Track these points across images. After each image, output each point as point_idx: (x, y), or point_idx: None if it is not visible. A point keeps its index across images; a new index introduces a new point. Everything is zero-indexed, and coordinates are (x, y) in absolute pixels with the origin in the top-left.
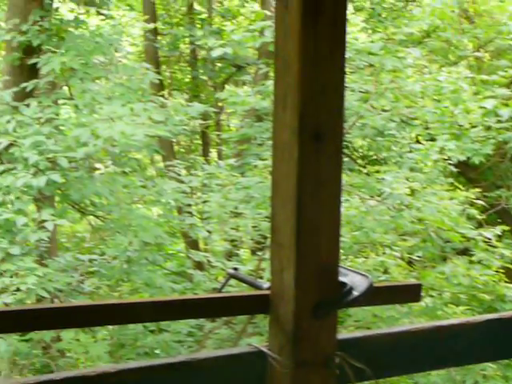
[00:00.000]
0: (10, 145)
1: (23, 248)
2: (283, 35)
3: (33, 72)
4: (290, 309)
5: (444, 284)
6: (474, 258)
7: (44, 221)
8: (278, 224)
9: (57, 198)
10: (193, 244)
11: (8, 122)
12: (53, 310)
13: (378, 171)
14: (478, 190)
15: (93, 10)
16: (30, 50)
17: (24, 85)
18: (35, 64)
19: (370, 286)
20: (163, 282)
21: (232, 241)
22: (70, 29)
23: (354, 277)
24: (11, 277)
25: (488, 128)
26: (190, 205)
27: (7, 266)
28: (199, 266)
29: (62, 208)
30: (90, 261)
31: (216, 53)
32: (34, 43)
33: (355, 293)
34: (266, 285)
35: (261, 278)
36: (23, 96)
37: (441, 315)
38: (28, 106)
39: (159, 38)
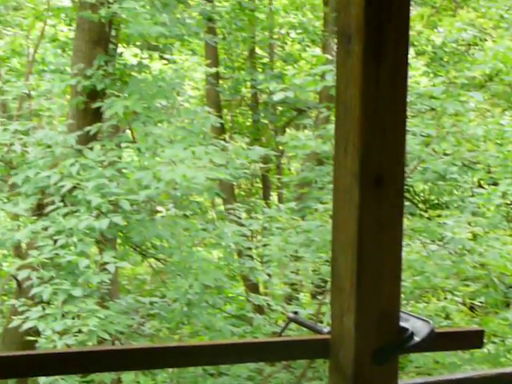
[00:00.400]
0: (74, 187)
1: (85, 290)
2: (345, 79)
3: (96, 116)
4: (350, 354)
5: (507, 330)
6: None
7: (106, 263)
8: (338, 268)
9: (118, 241)
10: (253, 287)
11: (72, 164)
12: (114, 352)
13: (439, 215)
14: None
15: (156, 54)
16: (94, 94)
17: (88, 128)
18: (99, 108)
19: (431, 331)
20: (223, 325)
21: (292, 284)
22: (134, 73)
23: (415, 322)
24: (73, 318)
25: None
26: (250, 248)
27: (69, 308)
28: (259, 309)
29: (124, 250)
30: (151, 303)
31: (277, 97)
32: (98, 87)
33: (416, 338)
34: (326, 329)
35: (321, 322)
36: (87, 139)
37: (504, 362)
38: (91, 149)
39: (221, 81)
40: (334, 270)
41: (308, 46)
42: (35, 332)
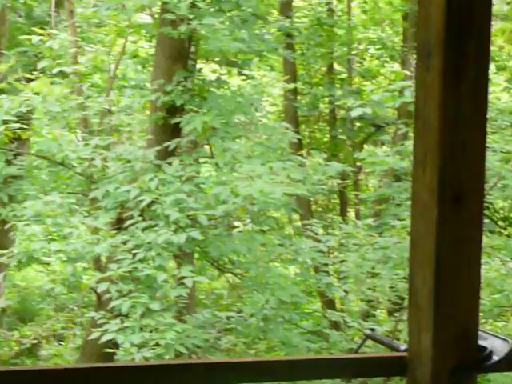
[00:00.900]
0: (153, 202)
1: (163, 303)
2: (424, 95)
3: (175, 131)
4: (427, 372)
5: None
6: None
7: (183, 277)
8: (416, 285)
9: (196, 255)
10: (329, 303)
11: (151, 179)
12: (190, 365)
13: None
14: None
15: (234, 70)
16: (173, 110)
17: (167, 143)
18: (178, 123)
19: (510, 350)
20: (299, 340)
21: (369, 301)
22: (212, 89)
23: (493, 341)
24: (151, 332)
25: None
26: (326, 264)
27: (147, 321)
28: (335, 325)
29: (201, 265)
30: (228, 318)
31: (355, 113)
32: (177, 103)
33: (495, 357)
34: (403, 347)
35: (398, 339)
36: (166, 154)
37: None
38: (170, 164)
39: (299, 97)
40: (411, 287)
41: (386, 61)
42: (114, 344)
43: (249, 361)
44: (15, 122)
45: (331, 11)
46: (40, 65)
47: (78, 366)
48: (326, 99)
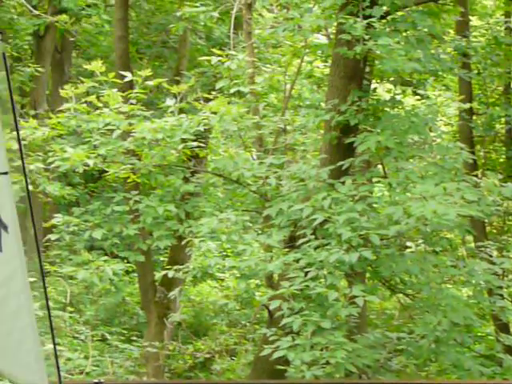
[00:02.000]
0: (325, 221)
1: (334, 322)
2: None
3: (349, 150)
4: None
5: None
6: None
7: (355, 296)
8: None
9: (367, 275)
10: (503, 327)
11: (324, 198)
12: None
13: None
14: None
15: (409, 90)
16: (347, 129)
17: (340, 163)
18: (351, 143)
19: None
20: (471, 364)
21: None
22: (387, 108)
23: None
24: (321, 350)
25: None
26: (501, 287)
27: (318, 339)
28: (510, 350)
29: (373, 285)
30: (398, 339)
31: None
32: (351, 122)
33: None
34: None
35: None
36: (339, 174)
37: None
38: (343, 183)
39: (474, 117)
40: None
41: None
42: (285, 361)
43: (420, 383)
44: (193, 140)
45: (509, 30)
46: (218, 85)
47: (249, 382)
48: (503, 119)
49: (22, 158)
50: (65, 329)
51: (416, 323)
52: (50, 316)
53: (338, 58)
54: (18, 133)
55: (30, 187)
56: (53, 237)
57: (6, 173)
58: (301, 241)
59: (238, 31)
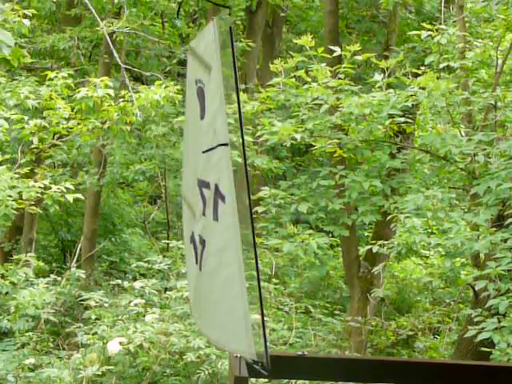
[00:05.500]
0: None
1: None
2: None
3: None
4: None
5: None
6: None
7: None
8: None
9: None
10: None
11: None
12: None
13: None
14: None
15: None
16: None
17: None
18: None
19: None
20: None
21: None
22: None
23: None
24: None
25: None
26: None
27: None
28: None
29: None
30: None
31: None
32: None
33: None
34: None
35: None
36: None
37: None
38: None
39: None
40: None
41: None
42: (490, 343)
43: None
44: (401, 115)
45: None
46: (427, 60)
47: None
48: None
49: (241, 131)
50: (270, 300)
51: None
52: (259, 287)
53: None
54: (239, 109)
55: (240, 160)
56: (260, 209)
57: (226, 144)
58: (509, 220)
59: (449, 5)
